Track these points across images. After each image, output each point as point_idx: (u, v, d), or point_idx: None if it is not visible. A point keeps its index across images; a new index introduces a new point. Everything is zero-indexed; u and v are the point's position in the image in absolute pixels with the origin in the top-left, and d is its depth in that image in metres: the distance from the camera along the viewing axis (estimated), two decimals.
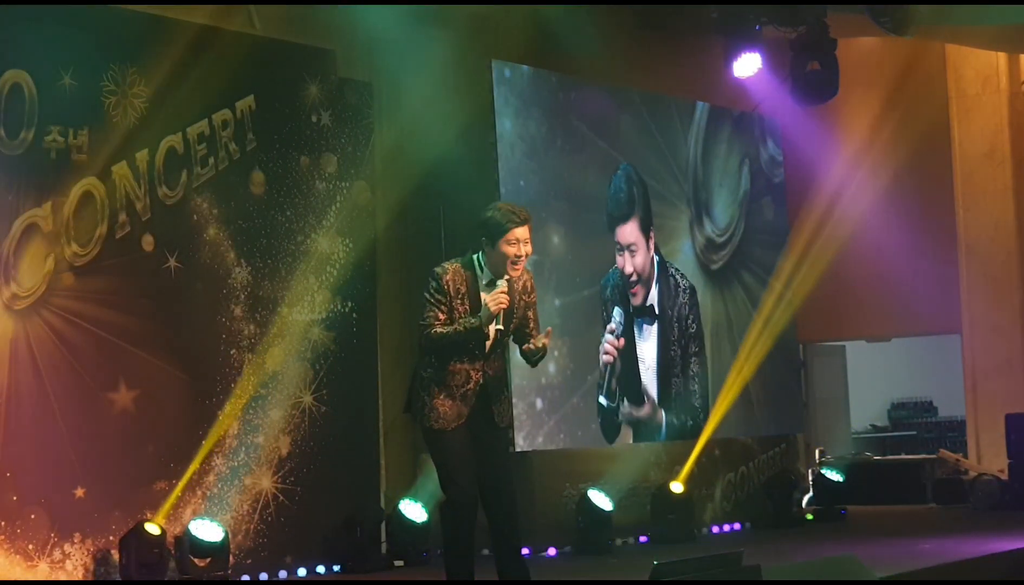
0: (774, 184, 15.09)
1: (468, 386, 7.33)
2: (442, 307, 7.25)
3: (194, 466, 10.27)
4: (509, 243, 7.34)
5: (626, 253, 13.24)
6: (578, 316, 12.54)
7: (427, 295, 7.30)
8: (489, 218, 7.40)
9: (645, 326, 13.30)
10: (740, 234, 14.51)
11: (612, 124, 13.21)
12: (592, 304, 12.71)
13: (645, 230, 13.45)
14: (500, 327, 7.40)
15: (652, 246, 13.46)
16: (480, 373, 7.38)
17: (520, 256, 7.37)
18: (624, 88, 13.44)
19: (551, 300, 12.25)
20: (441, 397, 7.29)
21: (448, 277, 7.31)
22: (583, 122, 12.94)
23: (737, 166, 14.59)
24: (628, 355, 13.02)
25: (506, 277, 7.35)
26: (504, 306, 7.31)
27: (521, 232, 7.37)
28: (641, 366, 13.17)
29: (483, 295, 7.34)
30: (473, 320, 7.27)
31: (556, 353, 12.24)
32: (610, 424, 12.77)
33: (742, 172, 14.64)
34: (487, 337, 7.36)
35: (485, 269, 7.41)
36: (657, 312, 13.41)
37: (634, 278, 13.31)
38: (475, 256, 7.45)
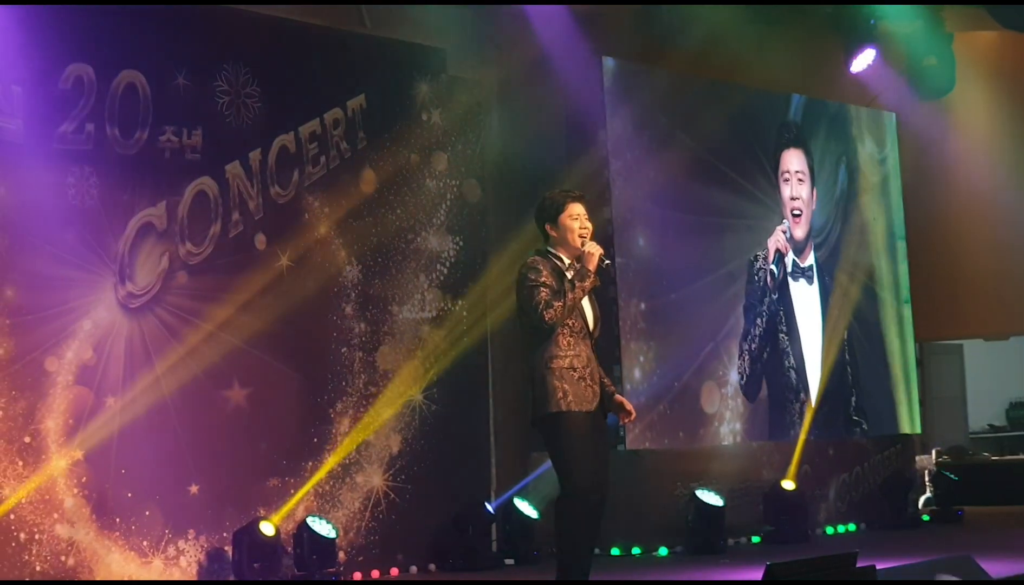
0: (872, 183, 14.80)
1: (590, 367, 7.35)
2: (545, 287, 7.24)
3: (319, 475, 10.40)
4: (572, 217, 7.40)
5: (792, 179, 13.25)
6: (665, 320, 12.31)
7: (528, 283, 7.26)
8: (546, 202, 7.48)
9: (803, 281, 13.29)
10: (836, 235, 14.27)
11: (701, 121, 12.97)
12: (678, 308, 12.43)
13: (811, 171, 13.46)
14: (607, 261, 7.40)
15: (815, 199, 13.41)
16: (592, 352, 7.40)
17: (587, 229, 7.42)
18: (716, 81, 13.22)
19: (636, 304, 12.10)
20: (574, 381, 7.24)
21: (541, 264, 7.33)
22: (671, 119, 12.71)
23: (834, 164, 14.34)
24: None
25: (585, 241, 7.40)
26: (601, 250, 7.34)
27: (579, 207, 7.44)
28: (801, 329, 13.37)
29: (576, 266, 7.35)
30: (580, 271, 7.29)
31: (641, 358, 12.05)
32: (755, 371, 12.91)
33: (839, 170, 14.39)
34: (593, 285, 7.33)
35: (561, 256, 7.41)
36: (816, 275, 13.40)
37: (798, 205, 13.28)
38: (547, 250, 7.43)
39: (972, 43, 15.77)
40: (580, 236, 7.39)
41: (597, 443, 7.34)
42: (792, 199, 13.44)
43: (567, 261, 7.38)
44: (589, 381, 7.30)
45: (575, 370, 7.26)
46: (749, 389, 12.88)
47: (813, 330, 13.59)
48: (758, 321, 13.00)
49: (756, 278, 13.07)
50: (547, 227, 7.45)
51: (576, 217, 7.41)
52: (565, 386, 7.22)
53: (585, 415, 7.26)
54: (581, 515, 7.25)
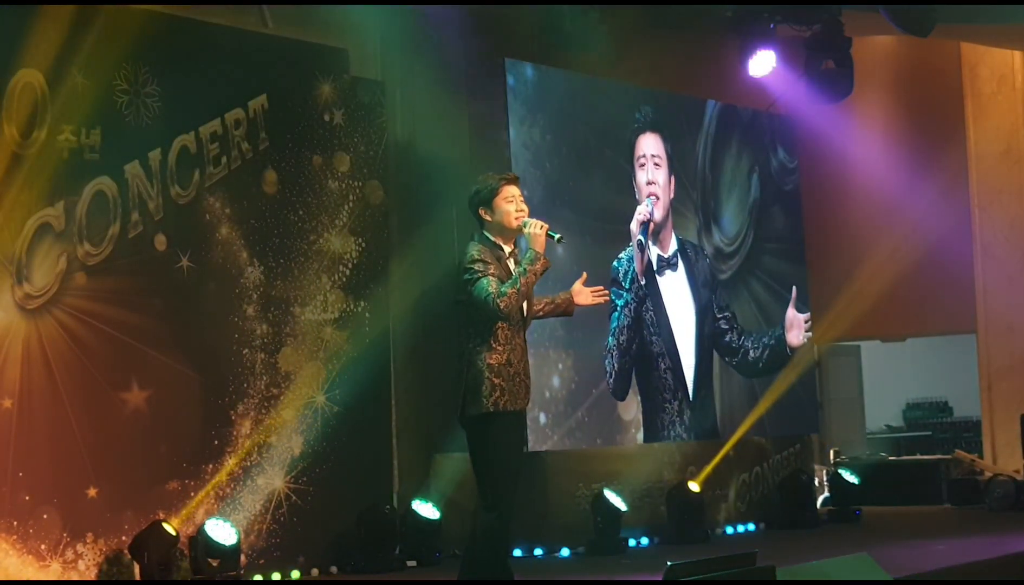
0: (785, 191, 14.84)
1: (524, 360, 7.26)
2: (492, 273, 7.11)
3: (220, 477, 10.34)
4: (507, 199, 7.28)
5: (648, 163, 13.06)
6: (584, 328, 12.25)
7: (475, 268, 7.10)
8: (479, 187, 7.35)
9: (668, 272, 13.18)
10: (750, 243, 14.29)
11: (619, 129, 13.03)
12: (598, 316, 12.32)
13: (669, 157, 13.27)
14: (559, 235, 7.29)
15: (673, 186, 13.30)
16: (525, 343, 7.31)
17: (523, 211, 7.30)
18: (634, 87, 13.27)
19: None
20: (510, 377, 7.14)
21: (484, 253, 7.18)
22: (588, 127, 12.73)
23: (747, 173, 14.37)
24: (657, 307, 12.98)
25: (525, 220, 7.27)
26: (545, 226, 7.22)
27: (514, 189, 7.33)
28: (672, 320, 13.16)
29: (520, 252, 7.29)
30: (529, 255, 7.15)
31: (560, 365, 12.04)
32: (624, 367, 12.66)
33: (752, 179, 14.41)
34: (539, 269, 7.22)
35: (500, 244, 7.31)
36: (679, 259, 13.33)
37: (655, 190, 13.06)
38: (486, 236, 7.30)
39: (871, 47, 15.96)
40: (516, 219, 7.26)
41: (521, 445, 7.32)
42: (648, 183, 13.09)
43: (507, 249, 7.28)
44: (523, 376, 7.21)
45: (511, 365, 7.15)
46: (618, 387, 12.67)
47: (686, 322, 13.41)
48: (626, 311, 12.77)
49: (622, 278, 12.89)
50: (481, 212, 7.30)
51: (511, 199, 7.27)
52: (502, 384, 7.09)
53: (516, 415, 7.20)
54: (503, 529, 7.18)
